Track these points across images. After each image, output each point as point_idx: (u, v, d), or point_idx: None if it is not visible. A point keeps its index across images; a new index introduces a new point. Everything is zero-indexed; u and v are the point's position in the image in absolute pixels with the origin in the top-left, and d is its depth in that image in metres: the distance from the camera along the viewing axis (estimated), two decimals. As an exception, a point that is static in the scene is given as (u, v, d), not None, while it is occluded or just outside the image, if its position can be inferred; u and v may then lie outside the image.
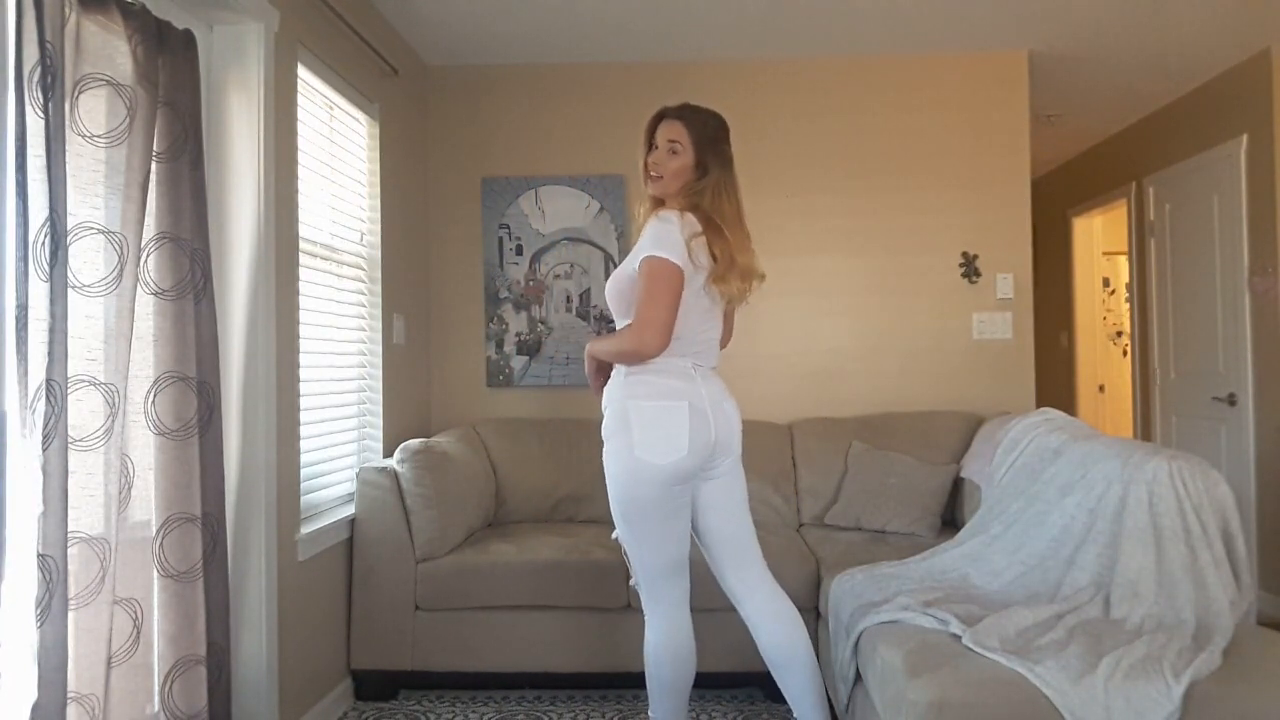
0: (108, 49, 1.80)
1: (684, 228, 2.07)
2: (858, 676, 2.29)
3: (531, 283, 3.88)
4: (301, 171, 2.71)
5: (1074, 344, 5.64)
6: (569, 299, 3.87)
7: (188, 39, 2.03)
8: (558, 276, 3.87)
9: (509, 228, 3.88)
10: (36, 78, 1.59)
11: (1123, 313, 5.95)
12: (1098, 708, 1.74)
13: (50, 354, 1.61)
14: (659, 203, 2.21)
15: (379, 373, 3.27)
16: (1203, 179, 4.23)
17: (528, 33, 3.55)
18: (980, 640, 1.96)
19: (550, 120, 3.89)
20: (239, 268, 2.36)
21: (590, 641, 2.91)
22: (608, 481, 2.15)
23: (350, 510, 2.96)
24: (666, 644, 2.19)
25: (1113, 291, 6.17)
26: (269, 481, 2.40)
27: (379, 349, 3.27)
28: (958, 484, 3.35)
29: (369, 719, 2.84)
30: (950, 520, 3.36)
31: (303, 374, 2.69)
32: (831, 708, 2.50)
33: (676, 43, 3.66)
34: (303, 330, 2.70)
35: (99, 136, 1.79)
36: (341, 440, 3.06)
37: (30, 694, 1.59)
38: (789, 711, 2.26)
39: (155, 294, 1.95)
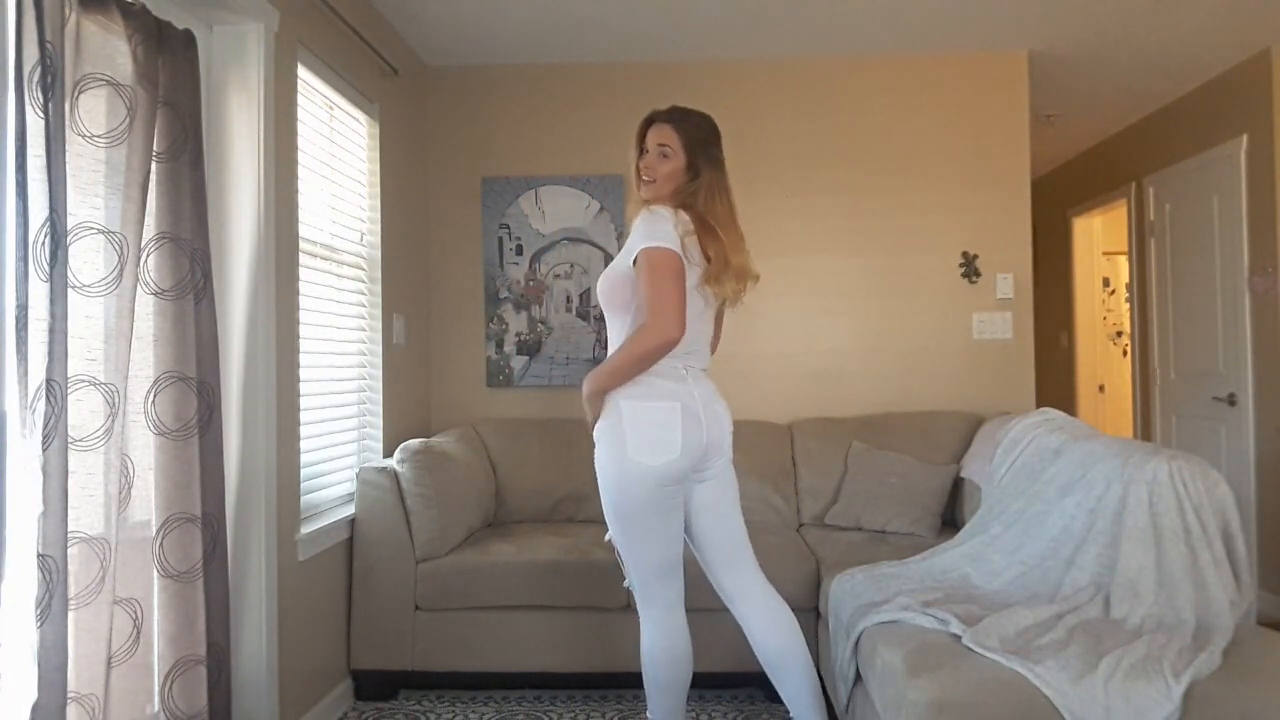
0: (108, 49, 1.80)
1: (677, 223, 2.07)
2: (858, 676, 2.29)
3: (531, 283, 3.88)
4: (301, 171, 2.71)
5: (1074, 344, 5.64)
6: (569, 299, 3.87)
7: (188, 39, 2.03)
8: (558, 276, 3.87)
9: (509, 228, 3.88)
10: (36, 78, 1.59)
11: (1123, 313, 5.95)
12: (1098, 708, 1.74)
13: (50, 354, 1.61)
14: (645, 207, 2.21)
15: (379, 373, 3.27)
16: (1203, 179, 4.23)
17: (528, 33, 3.55)
18: (980, 640, 1.96)
19: (550, 120, 3.90)
20: (239, 268, 2.36)
21: (590, 641, 2.91)
22: (600, 483, 2.15)
23: (350, 510, 2.96)
24: (662, 645, 2.19)
25: (1113, 291, 6.17)
26: (269, 481, 2.40)
27: (379, 349, 3.27)
28: (958, 484, 3.35)
29: (369, 719, 2.84)
30: (950, 520, 3.36)
31: (303, 374, 2.69)
32: (831, 708, 2.50)
33: (677, 43, 3.66)
34: (303, 330, 2.70)
35: (99, 136, 1.79)
36: (341, 440, 3.06)
37: (30, 694, 1.59)
38: (788, 712, 2.26)
39: (155, 294, 1.95)
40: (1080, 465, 2.41)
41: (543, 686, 3.01)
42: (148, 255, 1.94)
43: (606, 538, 2.23)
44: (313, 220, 2.84)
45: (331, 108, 2.99)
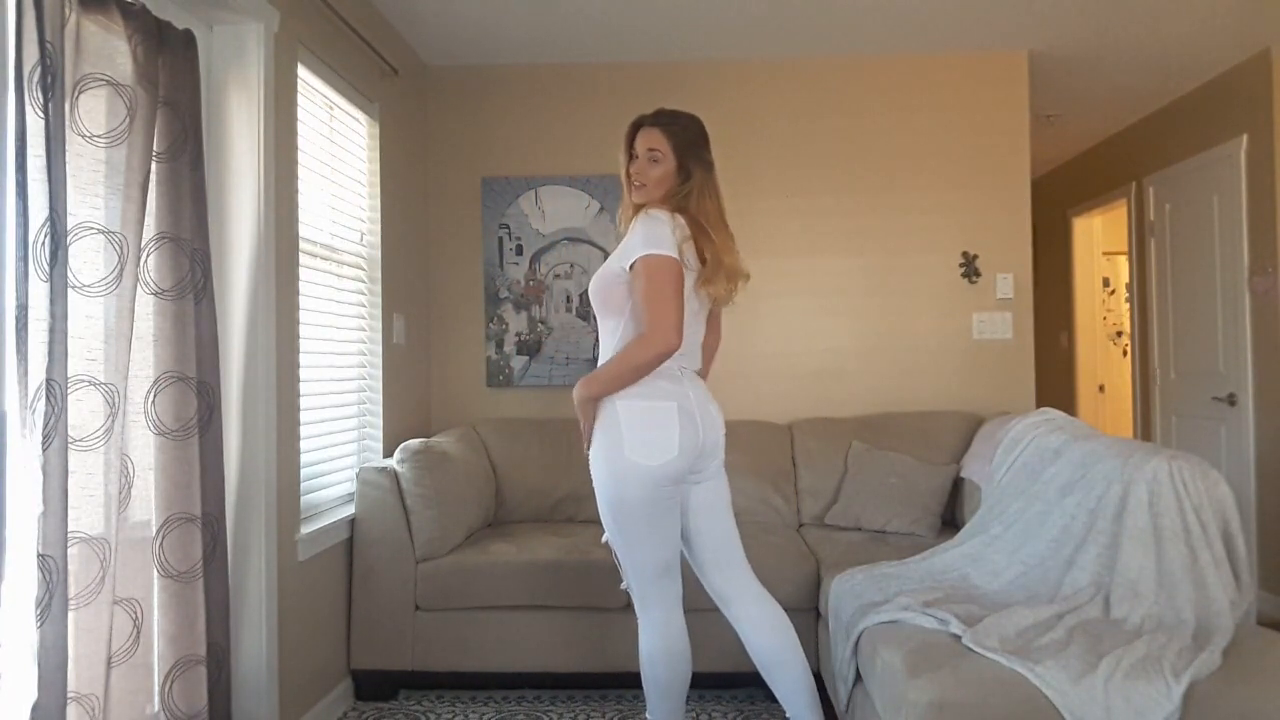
0: (108, 49, 1.80)
1: (676, 229, 2.07)
2: (858, 676, 2.29)
3: (531, 283, 3.88)
4: (301, 171, 2.71)
5: (1074, 344, 5.64)
6: (569, 299, 3.87)
7: (188, 39, 2.03)
8: (558, 276, 3.87)
9: (509, 228, 3.88)
10: (36, 78, 1.59)
11: (1123, 313, 5.95)
12: (1098, 708, 1.74)
13: (50, 354, 1.61)
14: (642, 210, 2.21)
15: (379, 373, 3.27)
16: (1203, 179, 4.23)
17: (527, 33, 3.55)
18: (980, 640, 1.96)
19: (550, 120, 3.89)
20: (239, 268, 2.36)
21: (590, 641, 2.91)
22: (596, 484, 2.14)
23: (350, 510, 2.96)
24: (661, 646, 2.19)
25: (1113, 291, 6.17)
26: (269, 481, 2.40)
27: (379, 349, 3.27)
28: (958, 484, 3.35)
29: (369, 719, 2.84)
30: (950, 520, 3.36)
31: (303, 374, 2.69)
32: (831, 708, 2.50)
33: (676, 43, 3.66)
34: (303, 330, 2.70)
35: (99, 136, 1.79)
36: (341, 440, 3.06)
37: (30, 694, 1.59)
38: (786, 712, 2.26)
39: (155, 294, 1.95)
40: (1080, 465, 2.41)
41: (542, 686, 3.01)
42: (148, 255, 1.94)
43: (603, 539, 2.23)
44: (313, 220, 2.84)
45: (331, 108, 2.99)
